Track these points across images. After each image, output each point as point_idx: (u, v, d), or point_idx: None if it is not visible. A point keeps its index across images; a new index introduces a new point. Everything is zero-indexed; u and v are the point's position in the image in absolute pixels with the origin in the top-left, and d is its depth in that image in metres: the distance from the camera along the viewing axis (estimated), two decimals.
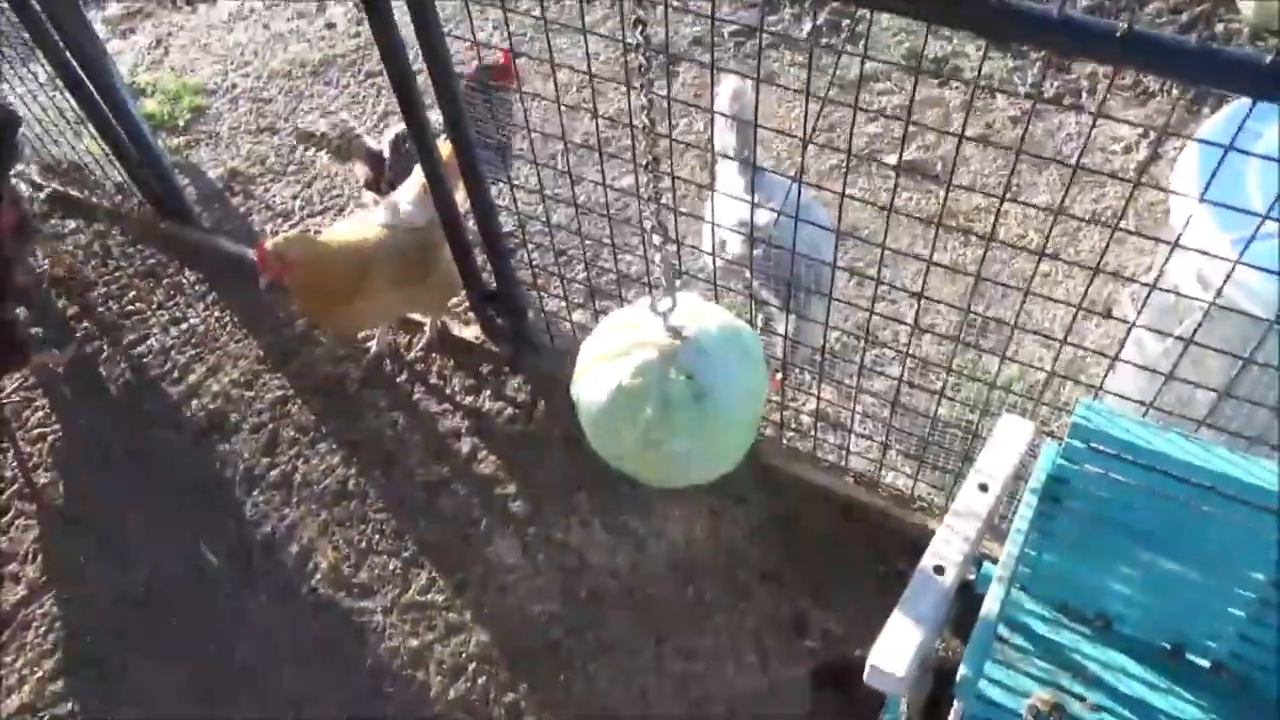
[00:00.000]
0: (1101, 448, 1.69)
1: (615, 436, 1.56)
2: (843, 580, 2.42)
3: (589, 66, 1.85)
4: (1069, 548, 1.82)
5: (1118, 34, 1.21)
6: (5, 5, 2.67)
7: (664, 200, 1.65)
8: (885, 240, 1.81)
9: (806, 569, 2.45)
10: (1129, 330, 1.62)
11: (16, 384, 3.02)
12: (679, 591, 2.44)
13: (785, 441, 2.58)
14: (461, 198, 2.42)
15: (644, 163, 1.44)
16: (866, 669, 1.50)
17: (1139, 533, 1.72)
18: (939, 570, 1.67)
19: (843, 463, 2.51)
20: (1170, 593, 1.74)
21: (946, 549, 1.71)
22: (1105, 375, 1.71)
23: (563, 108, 1.95)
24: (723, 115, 2.35)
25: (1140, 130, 3.33)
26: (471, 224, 2.49)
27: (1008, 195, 1.57)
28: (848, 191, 1.67)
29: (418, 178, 2.60)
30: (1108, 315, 1.87)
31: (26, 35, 2.75)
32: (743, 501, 2.57)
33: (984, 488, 1.80)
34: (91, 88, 2.86)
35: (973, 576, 2.02)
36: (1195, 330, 1.60)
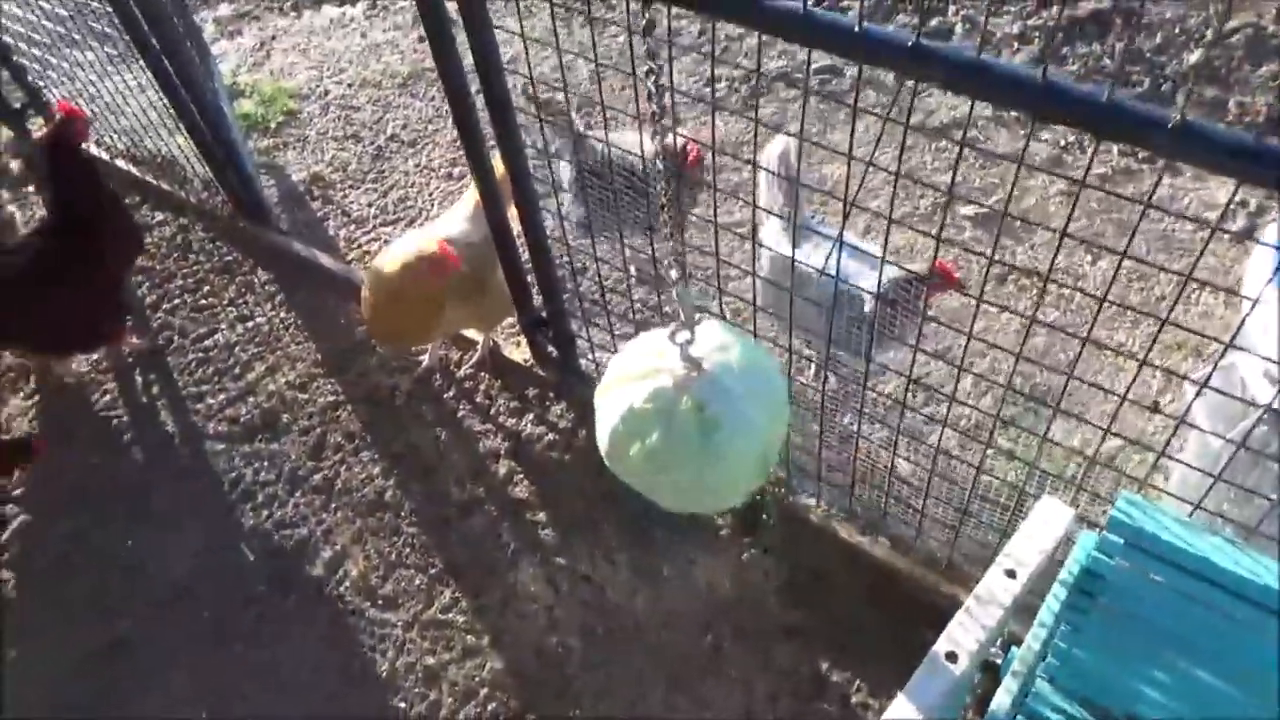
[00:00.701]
0: (1141, 545, 1.60)
1: (625, 457, 1.57)
2: (868, 645, 2.34)
3: (637, 104, 1.84)
4: (1099, 644, 1.72)
5: (1169, 124, 1.14)
6: (110, 10, 2.80)
7: (689, 235, 1.63)
8: (925, 308, 1.75)
9: (832, 629, 2.38)
10: (1175, 429, 1.52)
11: (89, 366, 3.16)
12: (697, 637, 2.40)
13: (821, 496, 2.51)
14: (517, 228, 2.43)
15: (662, 202, 1.43)
16: None
17: (1174, 637, 1.61)
18: (951, 657, 1.60)
19: (878, 524, 2.43)
20: (1204, 703, 1.63)
21: (963, 635, 1.63)
22: (1149, 471, 1.61)
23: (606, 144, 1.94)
24: (770, 172, 2.32)
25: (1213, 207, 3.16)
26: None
27: (1051, 275, 1.49)
28: (916, 242, 1.61)
29: (471, 195, 2.63)
30: (1154, 409, 1.75)
31: (128, 38, 2.89)
32: (772, 553, 2.51)
33: (1011, 574, 1.71)
34: (184, 91, 2.97)
35: (1000, 661, 1.93)
36: (1250, 430, 1.49)
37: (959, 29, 3.95)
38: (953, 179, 1.51)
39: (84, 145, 2.80)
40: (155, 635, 2.56)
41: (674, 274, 1.47)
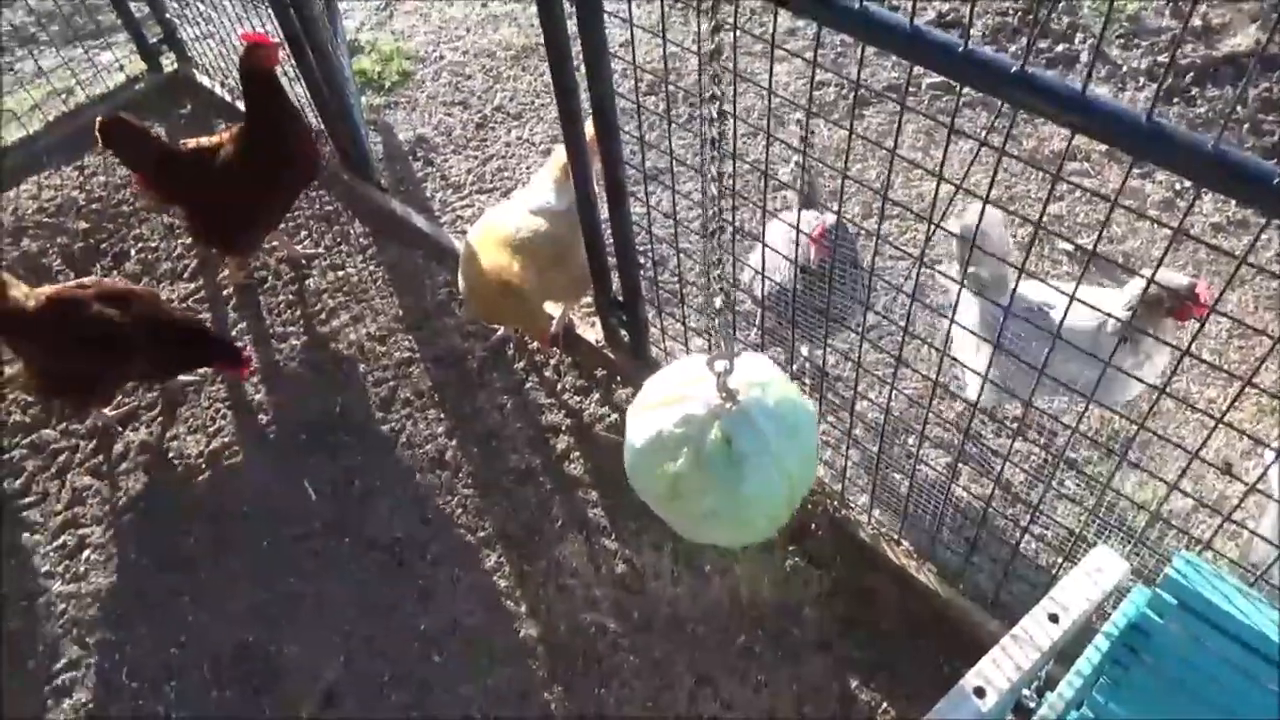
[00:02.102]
0: (1194, 607, 1.55)
1: (649, 479, 1.58)
2: (902, 671, 2.32)
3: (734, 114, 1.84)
4: (1137, 703, 1.66)
5: (1274, 180, 1.10)
6: None
7: (725, 260, 1.62)
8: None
9: (868, 649, 2.36)
10: (1244, 496, 1.46)
11: (198, 295, 3.31)
12: (730, 636, 2.40)
13: (875, 515, 2.49)
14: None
15: (710, 229, 1.43)
16: None
17: (1216, 707, 1.55)
18: (979, 692, 1.58)
19: (929, 551, 2.40)
20: None
21: (994, 672, 1.61)
22: (1214, 533, 1.55)
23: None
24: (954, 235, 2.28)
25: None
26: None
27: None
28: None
29: (555, 161, 2.67)
30: (1226, 471, 1.68)
31: None
32: (819, 564, 2.50)
33: (1054, 618, 1.67)
34: (306, 43, 3.08)
35: (1034, 705, 1.89)
36: None
37: (1084, 57, 3.83)
38: (1042, 211, 1.48)
39: (274, 69, 2.95)
40: (216, 557, 2.68)
41: (717, 302, 1.47)
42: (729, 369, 1.50)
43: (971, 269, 2.31)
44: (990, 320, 2.26)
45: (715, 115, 1.33)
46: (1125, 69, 3.77)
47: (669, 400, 1.56)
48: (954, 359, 1.98)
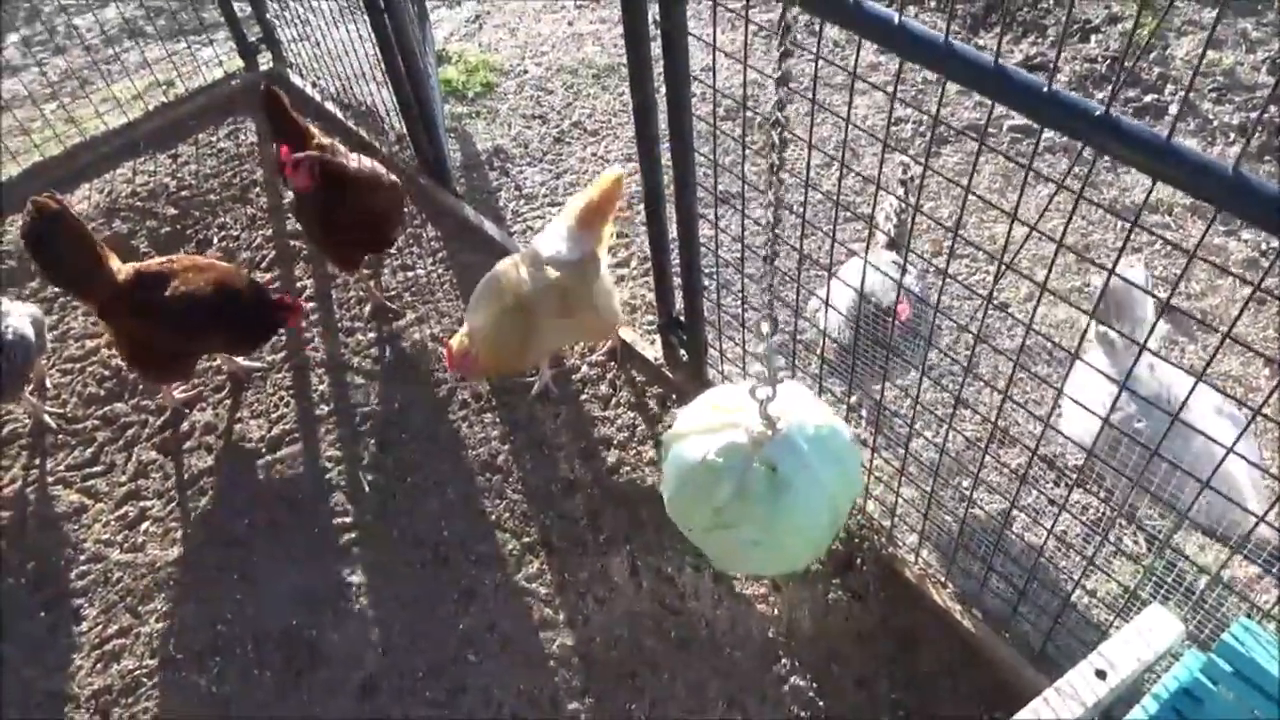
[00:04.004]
0: (1249, 676, 1.50)
1: (690, 508, 1.57)
2: (939, 716, 2.27)
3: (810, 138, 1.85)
4: None
5: None
6: None
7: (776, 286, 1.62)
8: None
9: (905, 690, 2.32)
10: None
11: (274, 286, 3.42)
12: (767, 664, 2.38)
13: (922, 556, 2.45)
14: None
15: (766, 254, 1.43)
16: None
17: None
18: None
19: (977, 597, 2.35)
20: None
21: None
22: (1278, 602, 1.50)
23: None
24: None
25: None
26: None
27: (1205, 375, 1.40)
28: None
29: (571, 208, 2.68)
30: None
31: None
32: (862, 600, 2.47)
33: (1102, 674, 1.63)
34: (397, 50, 3.18)
35: None
36: None
37: (1173, 109, 3.75)
38: (1117, 259, 1.45)
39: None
40: (268, 540, 2.75)
41: (765, 327, 1.46)
42: (771, 396, 1.50)
43: (1102, 329, 2.27)
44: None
45: (778, 141, 1.34)
46: (1216, 124, 3.69)
47: (709, 429, 1.56)
48: (1051, 425, 1.92)
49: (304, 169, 2.77)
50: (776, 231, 1.50)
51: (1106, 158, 3.61)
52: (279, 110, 3.03)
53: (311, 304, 3.35)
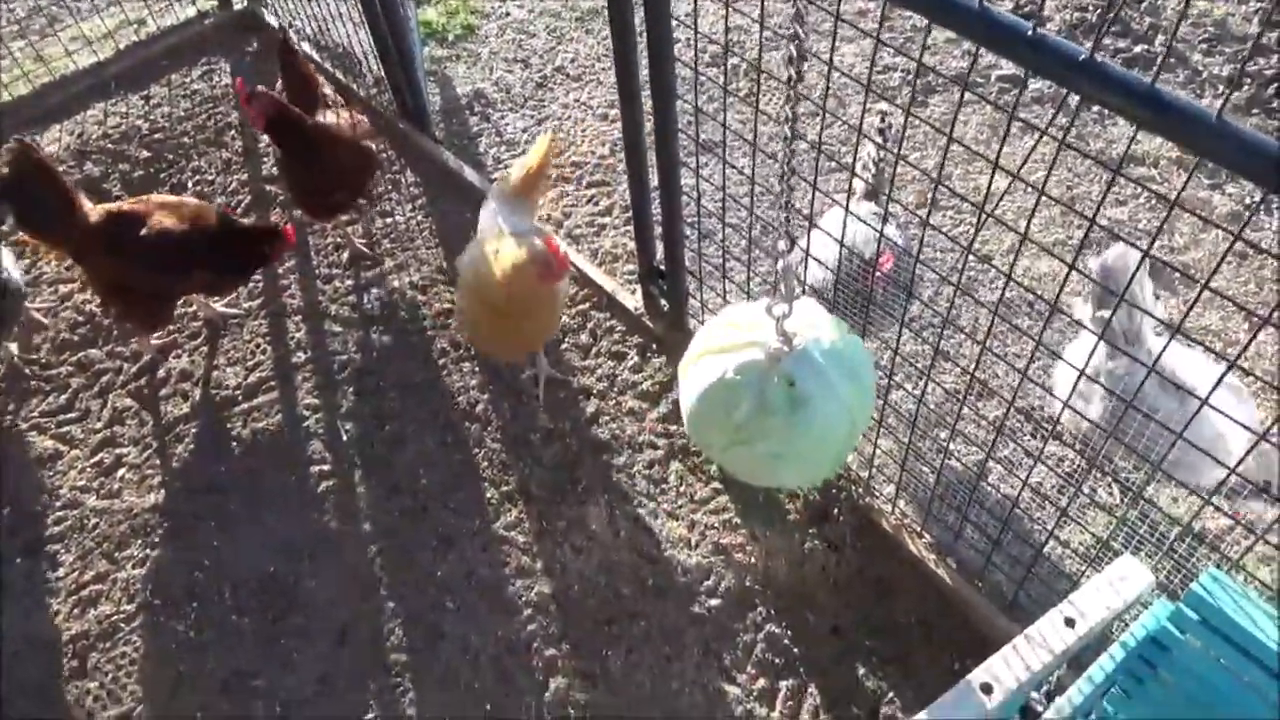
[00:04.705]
0: (1216, 626, 1.51)
1: (710, 428, 1.58)
2: (911, 663, 2.30)
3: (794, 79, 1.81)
4: (1149, 716, 1.64)
5: None
6: None
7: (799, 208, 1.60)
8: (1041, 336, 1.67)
9: (878, 638, 2.34)
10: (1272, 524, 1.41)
11: None
12: (741, 613, 2.40)
13: (899, 506, 2.46)
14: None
15: (784, 174, 1.41)
16: None
17: None
18: (986, 689, 1.56)
19: (951, 546, 2.37)
20: None
21: (1003, 670, 1.58)
22: (1244, 552, 1.51)
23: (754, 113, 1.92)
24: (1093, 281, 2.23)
25: None
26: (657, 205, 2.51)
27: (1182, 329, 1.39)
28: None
29: (512, 175, 2.61)
30: (1265, 490, 1.63)
31: None
32: (838, 550, 2.48)
33: (1070, 622, 1.64)
34: None
35: (1042, 708, 1.87)
36: None
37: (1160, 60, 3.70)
38: (1097, 209, 1.43)
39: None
40: (246, 487, 2.74)
41: (781, 245, 1.46)
42: (788, 312, 1.50)
43: (1101, 313, 2.26)
44: (1117, 373, 2.18)
45: (796, 54, 1.31)
46: (1206, 75, 3.65)
47: (725, 348, 1.57)
48: (1041, 387, 1.92)
49: (258, 106, 2.70)
50: (793, 147, 1.48)
51: (1095, 109, 3.58)
52: (291, 62, 3.01)
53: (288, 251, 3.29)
